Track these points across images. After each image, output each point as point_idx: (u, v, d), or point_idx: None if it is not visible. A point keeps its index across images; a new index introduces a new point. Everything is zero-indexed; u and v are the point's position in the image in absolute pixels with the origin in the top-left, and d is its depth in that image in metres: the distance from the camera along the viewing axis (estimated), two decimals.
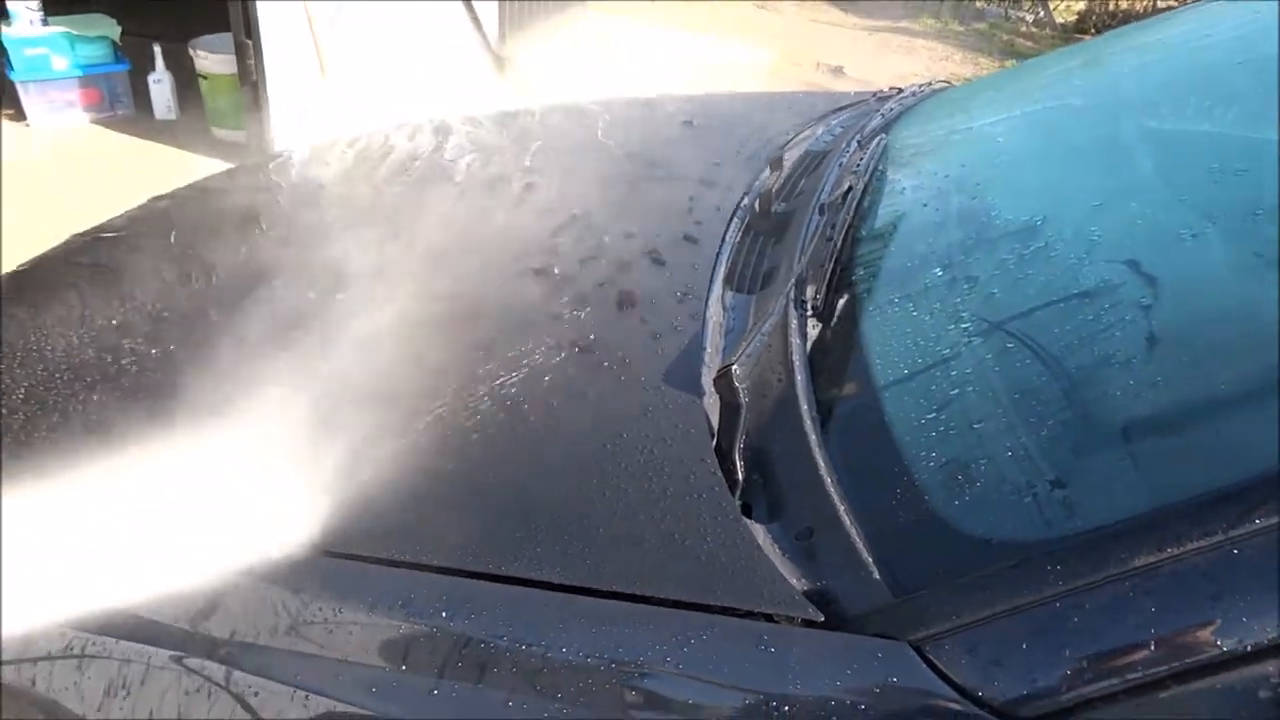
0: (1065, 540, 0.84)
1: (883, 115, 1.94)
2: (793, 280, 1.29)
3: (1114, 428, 0.92)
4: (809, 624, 0.88)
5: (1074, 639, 0.78)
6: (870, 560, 0.90)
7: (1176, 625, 0.75)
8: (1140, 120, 1.34)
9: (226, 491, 1.09)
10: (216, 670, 0.96)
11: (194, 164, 4.34)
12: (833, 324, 1.23)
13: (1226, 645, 0.73)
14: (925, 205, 1.40)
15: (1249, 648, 0.73)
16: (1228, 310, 0.95)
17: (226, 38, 4.17)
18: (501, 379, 1.20)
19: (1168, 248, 1.05)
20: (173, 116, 4.80)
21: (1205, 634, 0.74)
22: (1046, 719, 0.77)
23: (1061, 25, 9.25)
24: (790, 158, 1.84)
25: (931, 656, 0.82)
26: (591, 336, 1.27)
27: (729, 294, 1.39)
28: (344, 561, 1.00)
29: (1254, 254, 0.98)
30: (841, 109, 2.17)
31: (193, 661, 0.97)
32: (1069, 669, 0.77)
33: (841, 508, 0.96)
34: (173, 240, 1.64)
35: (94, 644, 1.00)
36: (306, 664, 0.93)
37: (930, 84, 2.25)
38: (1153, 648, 0.75)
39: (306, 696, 0.91)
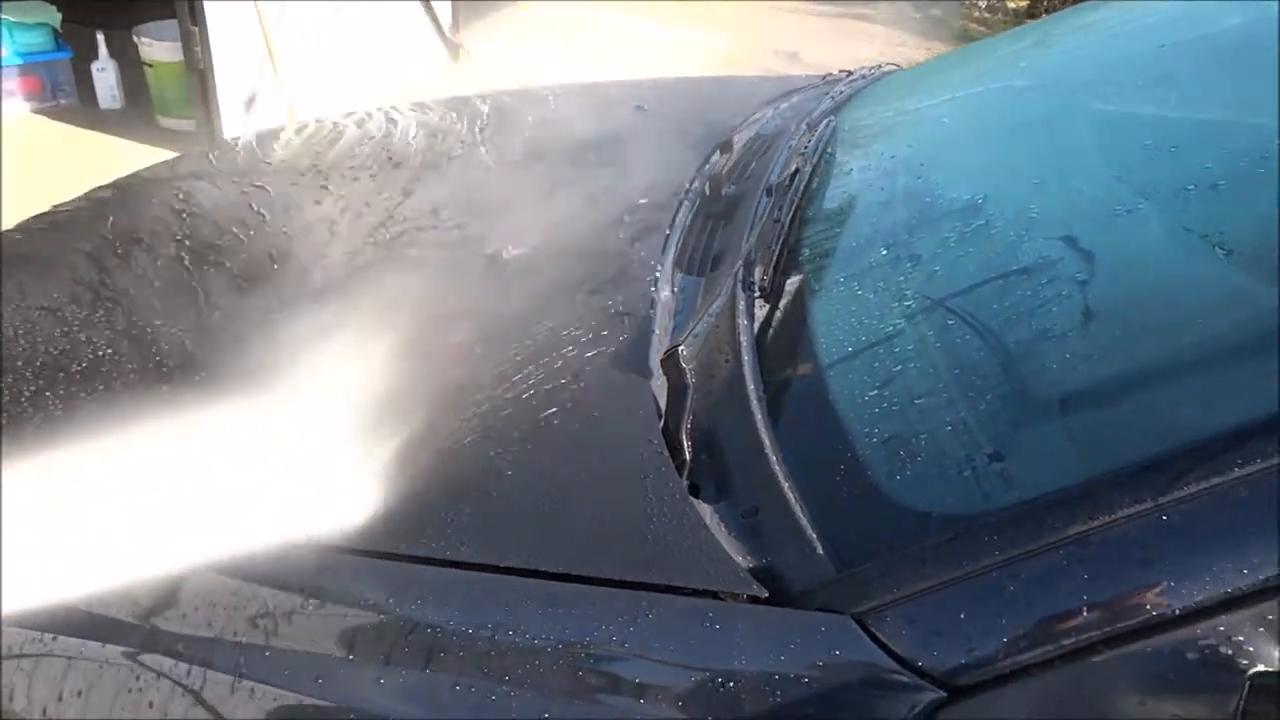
0: (1002, 511, 0.85)
1: (832, 98, 1.95)
2: (740, 262, 1.30)
3: (1049, 401, 0.94)
4: (754, 600, 0.88)
5: (1010, 607, 0.79)
6: (815, 536, 0.91)
7: (1108, 592, 0.77)
8: (1078, 100, 1.36)
9: (169, 486, 1.08)
10: (169, 665, 0.95)
11: (140, 154, 4.26)
12: (780, 305, 1.23)
13: (1155, 610, 0.75)
14: (871, 186, 1.41)
15: (1177, 611, 0.75)
16: (1158, 286, 0.97)
17: (172, 25, 4.09)
18: (447, 363, 1.20)
19: (1102, 224, 1.07)
20: (118, 106, 4.70)
21: (1135, 599, 0.76)
22: (985, 686, 0.79)
23: (1014, 10, 9.34)
24: (740, 141, 1.85)
25: (873, 629, 0.83)
26: (539, 319, 1.27)
27: (679, 276, 1.40)
28: (289, 552, 0.99)
29: (1184, 229, 1.00)
30: (792, 93, 2.18)
31: (147, 658, 0.96)
32: (1006, 637, 0.79)
33: (786, 486, 0.96)
34: (110, 231, 1.61)
35: (43, 642, 0.99)
36: (255, 656, 0.93)
37: (879, 67, 2.26)
38: (1085, 614, 0.77)
39: (253, 688, 0.91)
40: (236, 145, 1.98)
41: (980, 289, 1.09)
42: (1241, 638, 0.74)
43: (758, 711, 0.83)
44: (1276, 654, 0.73)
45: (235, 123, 4.07)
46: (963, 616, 0.80)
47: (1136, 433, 0.86)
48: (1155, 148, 1.16)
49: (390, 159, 1.84)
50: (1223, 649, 0.74)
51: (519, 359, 1.20)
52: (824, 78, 2.26)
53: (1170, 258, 0.99)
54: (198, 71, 4.01)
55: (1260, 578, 0.74)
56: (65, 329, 1.35)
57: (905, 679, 0.80)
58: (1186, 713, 0.75)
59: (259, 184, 1.76)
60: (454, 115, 2.09)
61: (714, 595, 0.90)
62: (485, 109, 2.14)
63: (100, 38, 4.59)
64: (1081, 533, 0.79)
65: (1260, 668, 0.73)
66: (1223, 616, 0.74)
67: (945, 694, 0.79)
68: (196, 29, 3.92)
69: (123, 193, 1.79)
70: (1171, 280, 0.97)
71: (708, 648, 0.86)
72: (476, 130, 2.01)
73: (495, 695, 0.86)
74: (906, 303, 1.12)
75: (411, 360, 1.22)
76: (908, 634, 0.82)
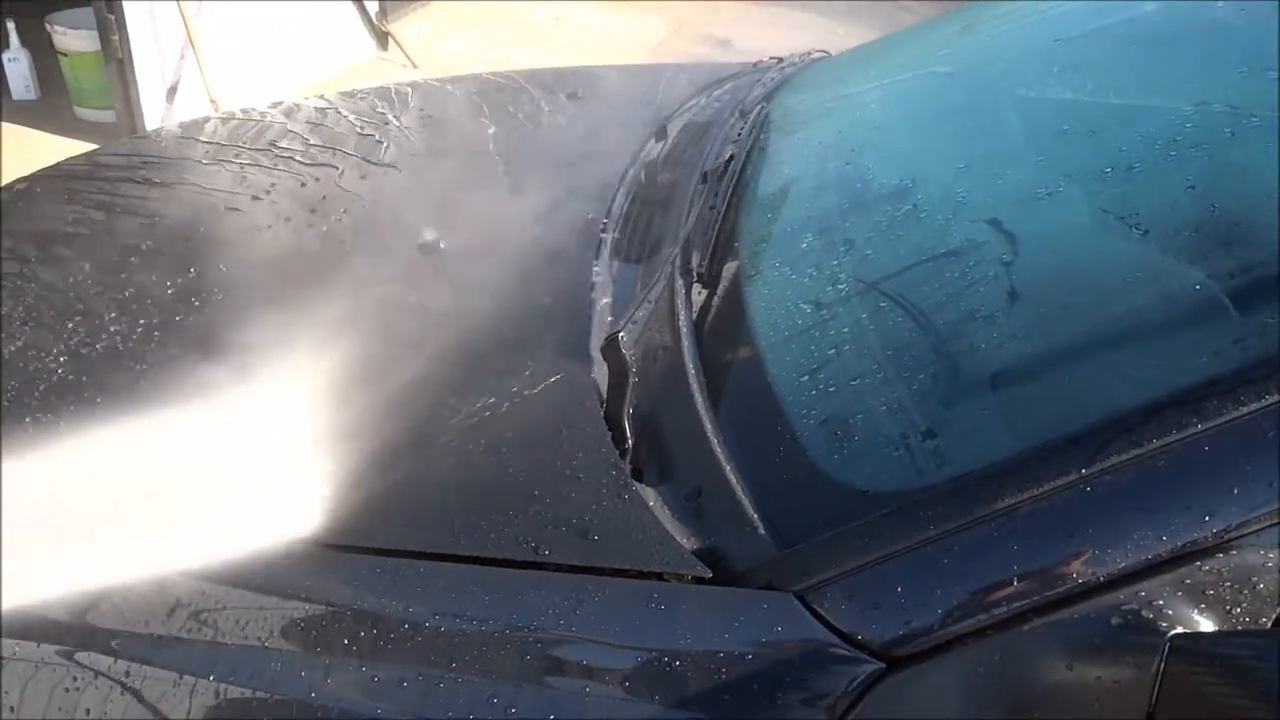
0: (936, 487, 0.88)
1: (764, 85, 1.97)
2: (678, 248, 1.31)
3: (979, 380, 0.97)
4: (699, 580, 0.90)
5: (944, 580, 0.82)
6: (756, 516, 0.93)
7: (1035, 562, 0.80)
8: (1000, 86, 1.40)
9: (96, 483, 1.06)
10: (104, 662, 0.93)
11: (58, 146, 4.12)
12: (717, 290, 1.25)
13: (1080, 578, 0.78)
14: (803, 172, 1.43)
15: (1101, 579, 0.78)
16: (1079, 266, 1.01)
17: (86, 12, 3.96)
18: (384, 354, 1.19)
19: (1025, 208, 1.10)
20: (32, 96, 4.53)
21: (1061, 568, 0.79)
22: (922, 656, 0.82)
23: None
24: (675, 128, 1.86)
25: (814, 605, 0.85)
26: (477, 308, 1.27)
27: (616, 263, 1.41)
28: (229, 543, 0.98)
29: (1100, 210, 1.04)
30: (725, 80, 2.19)
31: (81, 655, 0.94)
32: (941, 608, 0.81)
33: (728, 467, 0.98)
34: (26, 227, 1.57)
35: None
36: (194, 650, 0.92)
37: (810, 54, 2.29)
38: (1015, 584, 0.80)
39: (195, 683, 0.90)
40: (158, 137, 1.93)
41: (910, 271, 1.12)
42: (1161, 602, 0.77)
43: (704, 689, 0.84)
44: (1194, 617, 0.77)
45: (157, 114, 3.97)
46: (899, 590, 0.83)
47: (1060, 408, 0.89)
48: (1073, 132, 1.20)
49: (316, 149, 1.82)
50: (1144, 613, 0.77)
51: (457, 348, 1.20)
52: (755, 65, 2.28)
53: (1090, 239, 1.03)
54: (116, 61, 3.89)
55: (1178, 544, 0.77)
56: None
57: (846, 652, 0.82)
58: (1111, 675, 0.78)
59: (182, 175, 1.72)
60: (381, 104, 2.07)
61: (659, 577, 0.91)
62: (414, 97, 2.12)
63: (11, 26, 4.42)
64: (1010, 506, 0.82)
65: (1179, 630, 0.76)
66: (1143, 582, 0.78)
67: (884, 665, 0.82)
68: (113, 16, 3.79)
69: (36, 186, 1.74)
70: (1091, 260, 1.01)
71: (653, 628, 0.87)
72: (406, 119, 1.99)
73: (443, 683, 0.87)
74: (840, 286, 1.14)
75: (348, 351, 1.21)
76: (847, 608, 0.84)
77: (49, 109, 4.47)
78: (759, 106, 1.75)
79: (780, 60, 2.25)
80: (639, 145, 1.79)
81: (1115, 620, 0.78)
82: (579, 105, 2.05)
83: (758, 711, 0.83)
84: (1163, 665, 0.76)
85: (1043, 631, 0.79)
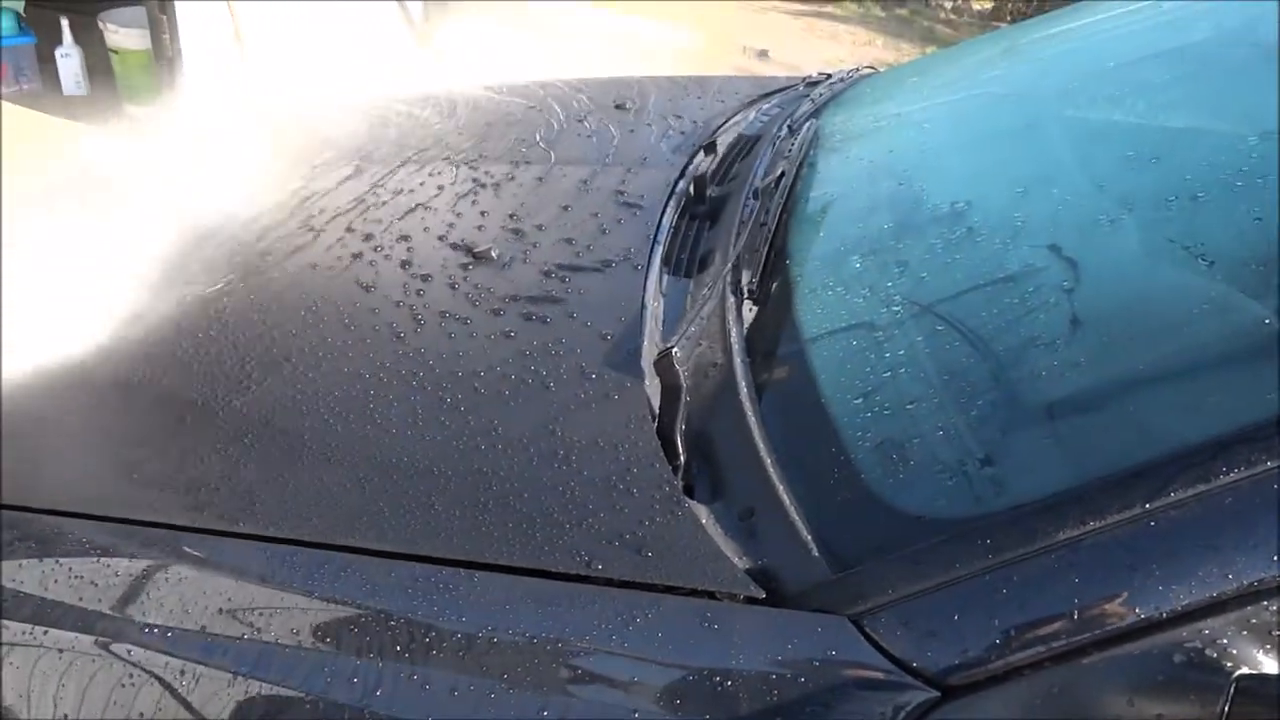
0: (994, 515, 0.87)
1: (812, 100, 1.97)
2: (729, 264, 1.31)
3: (1038, 407, 0.96)
4: (751, 601, 0.90)
5: (1002, 610, 0.81)
6: (810, 538, 0.93)
7: (1097, 595, 0.79)
8: (1060, 108, 1.39)
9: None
10: (143, 656, 0.94)
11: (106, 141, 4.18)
12: (769, 307, 1.25)
13: (1143, 613, 0.78)
14: (856, 191, 1.43)
15: (1164, 615, 0.77)
16: (1142, 293, 1.00)
17: (138, 11, 4.02)
18: (438, 361, 1.20)
19: (1087, 233, 1.09)
20: (83, 92, 4.61)
21: (1123, 603, 0.79)
22: (977, 686, 0.81)
23: (979, 12, 9.45)
24: (723, 142, 1.86)
25: (869, 630, 0.84)
26: (531, 320, 1.27)
27: (666, 278, 1.41)
28: (280, 545, 0.99)
29: (1167, 240, 1.03)
30: (771, 94, 2.19)
31: (118, 647, 0.95)
32: (998, 638, 0.81)
33: (781, 487, 0.98)
34: None
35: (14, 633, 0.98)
36: (241, 648, 0.93)
37: (857, 70, 2.28)
38: (1075, 617, 0.79)
39: (234, 679, 0.91)
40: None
41: (967, 295, 1.11)
42: (1226, 641, 0.76)
43: (754, 711, 0.84)
44: (1260, 657, 0.76)
45: (198, 109, 4.01)
46: (956, 618, 0.82)
47: (1124, 439, 0.88)
48: (1137, 158, 1.19)
49: (364, 154, 1.83)
50: (1208, 652, 0.76)
51: (510, 357, 1.21)
52: (803, 80, 2.28)
53: (1155, 267, 1.02)
54: (166, 59, 3.95)
55: (1244, 582, 0.76)
56: None
57: (899, 679, 0.82)
58: (1172, 713, 0.77)
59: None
60: (428, 110, 2.08)
61: (711, 595, 0.91)
62: (460, 103, 2.13)
63: (64, 23, 4.50)
64: (1071, 537, 0.81)
65: (1245, 670, 0.75)
66: (1208, 620, 0.77)
67: (938, 694, 0.81)
68: (165, 16, 3.85)
69: None
70: (1157, 289, 1.00)
71: (705, 647, 0.87)
72: (453, 125, 2.00)
73: (493, 694, 0.87)
74: (895, 308, 1.14)
75: (401, 358, 1.22)
76: (902, 635, 0.84)
77: (99, 105, 4.54)
78: (809, 123, 1.75)
79: (828, 76, 2.25)
80: (687, 158, 1.79)
81: (1178, 658, 0.77)
82: (627, 116, 2.05)
83: None
84: (1228, 706, 0.75)
85: (1103, 666, 0.79)
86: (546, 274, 1.37)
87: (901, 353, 1.07)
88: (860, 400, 1.04)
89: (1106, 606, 0.79)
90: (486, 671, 0.88)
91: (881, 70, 2.38)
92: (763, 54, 6.91)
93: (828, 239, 1.35)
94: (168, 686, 0.93)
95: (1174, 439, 0.84)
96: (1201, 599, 0.77)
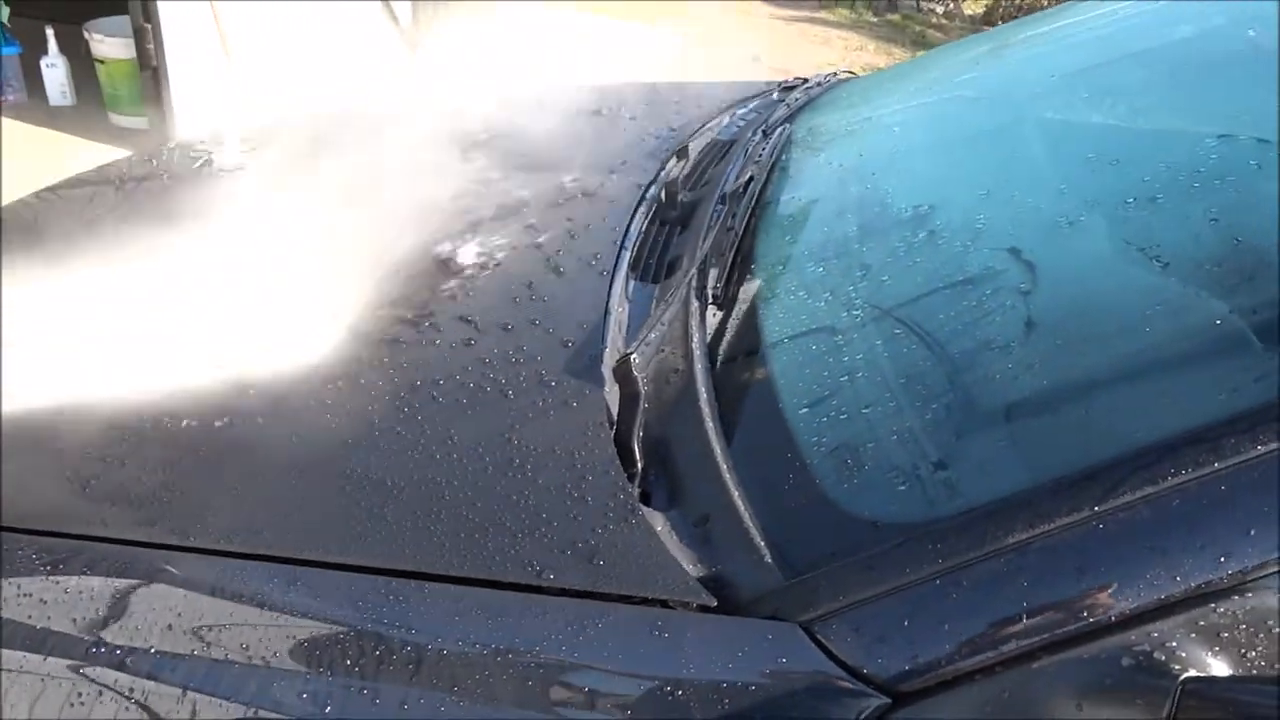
0: (947, 520, 0.87)
1: (788, 105, 1.97)
2: (693, 269, 1.31)
3: (992, 411, 0.96)
4: (703, 609, 0.89)
5: (953, 615, 0.81)
6: (763, 545, 0.92)
7: (1046, 599, 0.79)
8: (1026, 111, 1.39)
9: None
10: (93, 673, 0.93)
11: (92, 152, 4.18)
12: (733, 313, 1.24)
13: (1091, 616, 0.77)
14: (822, 195, 1.43)
15: (1112, 618, 0.77)
16: (1093, 297, 0.99)
17: (123, 20, 4.03)
18: (397, 366, 1.20)
19: (1046, 236, 1.09)
20: (68, 102, 4.62)
21: (1073, 606, 0.78)
22: (928, 692, 0.80)
23: (970, 17, 9.47)
24: (696, 147, 1.86)
25: (820, 636, 0.84)
26: (490, 325, 1.27)
27: (633, 283, 1.40)
28: (230, 559, 0.99)
29: (1125, 242, 1.02)
30: (748, 99, 2.19)
31: (68, 664, 0.94)
32: (948, 643, 0.80)
33: (736, 494, 0.97)
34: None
35: None
36: (198, 667, 0.92)
37: (835, 74, 2.28)
38: (1025, 621, 0.78)
39: (205, 701, 0.90)
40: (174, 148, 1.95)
41: (927, 298, 1.11)
42: (1174, 644, 0.76)
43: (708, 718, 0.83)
44: (1208, 660, 0.75)
45: (189, 121, 4.01)
46: (907, 624, 0.82)
47: (1074, 442, 0.88)
48: (1098, 160, 1.19)
49: (328, 157, 1.83)
50: (1156, 655, 0.76)
51: (468, 364, 1.20)
52: (781, 84, 2.28)
53: (1110, 270, 1.02)
54: (150, 69, 3.95)
55: (1192, 584, 0.76)
56: None
57: (850, 686, 0.81)
58: (1120, 717, 0.76)
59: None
60: (408, 113, 2.08)
61: (663, 604, 0.90)
62: (441, 108, 2.13)
63: (50, 33, 4.51)
64: (1021, 541, 0.81)
65: (1192, 673, 0.75)
66: (1156, 623, 0.76)
67: (889, 700, 0.81)
68: (149, 25, 3.86)
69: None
70: (1111, 292, 0.99)
71: (656, 657, 0.86)
72: (430, 129, 2.00)
73: (443, 706, 0.86)
74: (855, 312, 1.13)
75: (355, 366, 1.21)
76: (853, 641, 0.83)
77: (84, 115, 4.54)
78: (781, 127, 1.74)
79: (805, 80, 2.25)
80: (660, 164, 1.78)
81: (1127, 661, 0.76)
82: (602, 122, 2.05)
83: None
84: (1174, 710, 0.74)
85: (1052, 670, 0.78)
86: (510, 280, 1.37)
87: (859, 357, 1.06)
88: (816, 405, 1.04)
89: (1055, 610, 0.78)
90: (436, 684, 0.87)
91: (859, 74, 2.38)
92: (755, 59, 6.92)
93: (792, 243, 1.34)
94: (118, 704, 0.92)
95: (1122, 441, 0.83)
96: (1149, 602, 0.76)
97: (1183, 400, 0.86)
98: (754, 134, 1.80)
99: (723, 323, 1.24)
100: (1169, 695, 0.74)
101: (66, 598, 0.98)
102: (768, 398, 1.08)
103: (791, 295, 1.22)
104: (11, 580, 0.99)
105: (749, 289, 1.27)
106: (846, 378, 1.05)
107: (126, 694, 0.91)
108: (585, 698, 0.87)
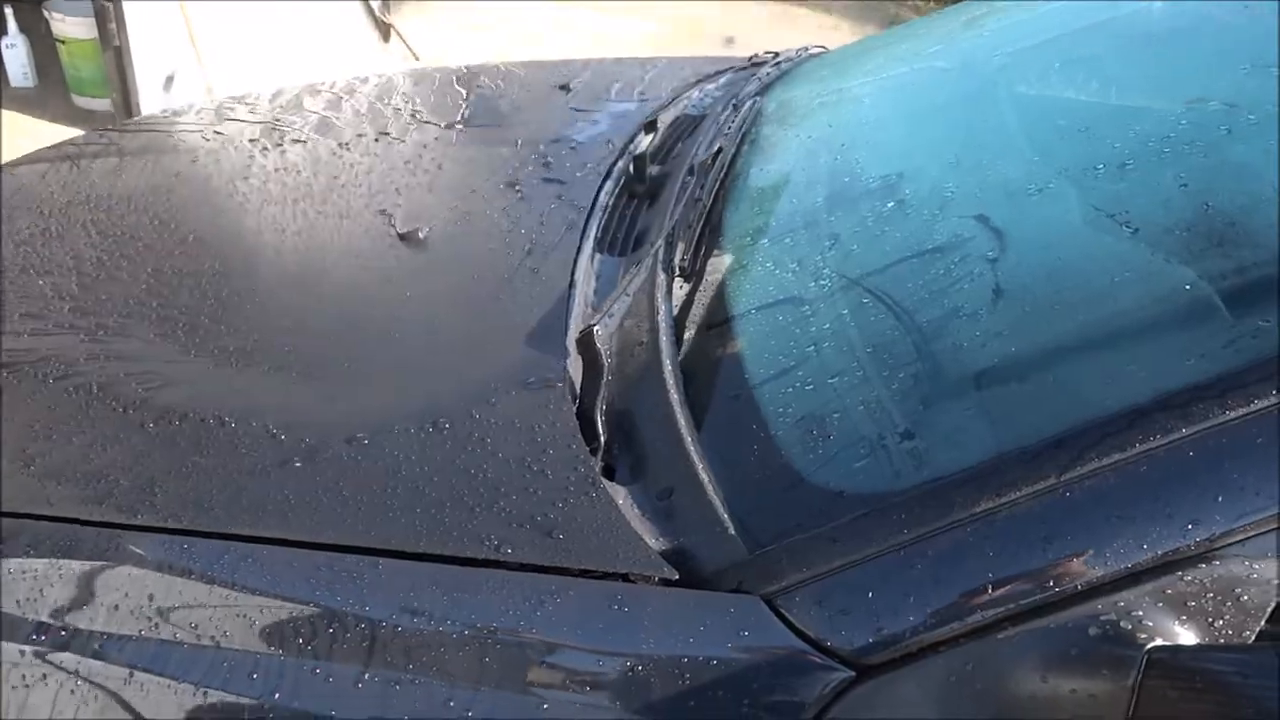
0: (912, 490, 0.85)
1: (759, 79, 1.94)
2: (660, 241, 1.28)
3: (960, 380, 0.94)
4: (665, 583, 0.87)
5: (917, 586, 0.79)
6: (727, 517, 0.90)
7: (1012, 569, 0.77)
8: (993, 81, 1.37)
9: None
10: (81, 663, 0.90)
11: (55, 134, 4.09)
12: (700, 285, 1.22)
13: (1058, 586, 0.76)
14: (792, 166, 1.40)
15: (1079, 588, 0.75)
16: (1061, 264, 0.98)
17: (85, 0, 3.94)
18: (356, 341, 1.17)
19: (1013, 203, 1.07)
20: (30, 84, 4.51)
21: (1038, 576, 0.77)
22: (893, 664, 0.79)
23: None
24: (665, 121, 1.83)
25: (782, 609, 0.82)
26: (455, 298, 1.24)
27: (599, 256, 1.38)
28: (202, 540, 0.96)
29: (1093, 208, 1.01)
30: (718, 74, 2.16)
31: (55, 656, 0.91)
32: (912, 615, 0.79)
33: (700, 466, 0.95)
34: None
35: None
36: (139, 644, 0.89)
37: (806, 49, 2.26)
38: (990, 591, 0.77)
39: (130, 675, 0.88)
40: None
41: (895, 268, 1.09)
42: (1140, 613, 0.74)
43: (667, 695, 0.82)
44: (1174, 629, 0.74)
45: (154, 102, 3.93)
46: (871, 595, 0.80)
47: (1041, 411, 0.86)
48: (1064, 128, 1.17)
49: (307, 135, 1.79)
50: (1122, 624, 0.74)
51: (432, 337, 1.17)
52: (750, 59, 2.25)
53: (1078, 237, 1.00)
54: (113, 48, 3.86)
55: (1159, 553, 0.75)
56: None
57: (814, 659, 0.80)
58: (1086, 688, 0.75)
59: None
60: (376, 92, 2.04)
61: (624, 578, 0.88)
62: (409, 85, 2.09)
63: (9, 12, 4.40)
64: (987, 510, 0.79)
65: (1157, 642, 0.74)
66: (1122, 592, 0.75)
67: (854, 673, 0.79)
68: (110, 4, 3.77)
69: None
70: (1078, 259, 0.97)
71: (617, 631, 0.84)
72: (398, 107, 1.96)
73: (399, 684, 0.84)
74: (822, 282, 1.11)
75: (319, 337, 1.18)
76: (816, 614, 0.81)
77: (47, 96, 4.44)
78: (751, 100, 1.72)
79: (776, 55, 2.22)
80: (628, 137, 1.76)
81: (1093, 630, 0.75)
82: (569, 97, 2.02)
83: (723, 718, 0.80)
84: (1140, 678, 0.73)
85: (1017, 641, 0.77)
86: (474, 253, 1.34)
87: (825, 328, 1.04)
88: (782, 376, 1.02)
89: (1020, 580, 0.77)
90: (391, 662, 0.85)
91: (830, 49, 2.36)
92: (729, 41, 6.88)
93: (760, 215, 1.32)
94: (63, 683, 0.90)
95: (1089, 409, 0.81)
96: (1115, 571, 0.75)
97: (1151, 367, 0.85)
98: (723, 108, 1.77)
99: (690, 295, 1.21)
100: (1135, 665, 0.73)
101: (22, 578, 0.95)
102: (734, 370, 1.06)
103: (759, 267, 1.20)
104: None
105: (717, 261, 1.25)
106: (813, 348, 1.03)
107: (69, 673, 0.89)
108: (544, 673, 0.85)
